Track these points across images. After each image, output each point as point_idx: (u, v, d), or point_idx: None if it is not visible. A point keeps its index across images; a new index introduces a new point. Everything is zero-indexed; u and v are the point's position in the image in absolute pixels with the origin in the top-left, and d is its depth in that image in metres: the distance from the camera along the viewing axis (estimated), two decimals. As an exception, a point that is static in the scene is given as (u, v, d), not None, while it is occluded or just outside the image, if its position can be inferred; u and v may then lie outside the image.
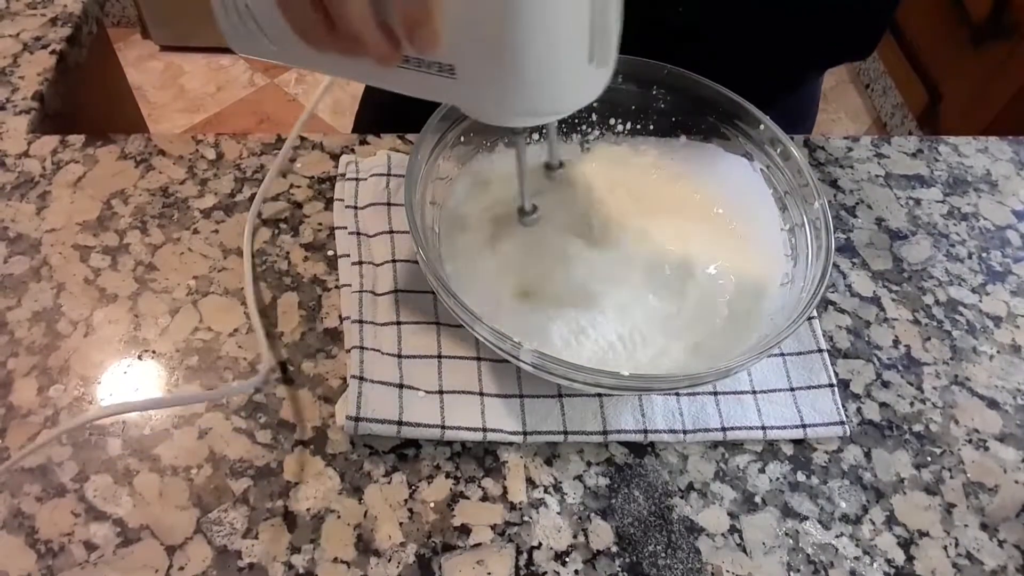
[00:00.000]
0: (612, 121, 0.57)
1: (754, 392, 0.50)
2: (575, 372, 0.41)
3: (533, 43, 0.35)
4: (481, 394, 0.48)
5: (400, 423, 0.46)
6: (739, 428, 0.48)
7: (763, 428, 0.48)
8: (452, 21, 0.34)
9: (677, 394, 0.49)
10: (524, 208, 0.48)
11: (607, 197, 0.53)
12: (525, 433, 0.47)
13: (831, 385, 0.50)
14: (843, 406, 0.51)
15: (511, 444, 0.47)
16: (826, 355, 0.51)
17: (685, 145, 0.56)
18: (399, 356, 0.49)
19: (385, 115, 0.57)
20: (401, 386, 0.48)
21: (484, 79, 0.37)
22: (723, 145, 0.55)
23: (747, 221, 0.54)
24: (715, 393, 0.49)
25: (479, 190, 0.54)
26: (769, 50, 0.62)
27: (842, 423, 0.49)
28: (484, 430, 0.46)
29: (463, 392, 0.48)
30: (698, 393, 0.49)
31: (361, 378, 0.47)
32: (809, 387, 0.50)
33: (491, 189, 0.54)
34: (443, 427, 0.46)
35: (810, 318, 0.53)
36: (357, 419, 0.45)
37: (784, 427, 0.48)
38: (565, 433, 0.47)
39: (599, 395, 0.48)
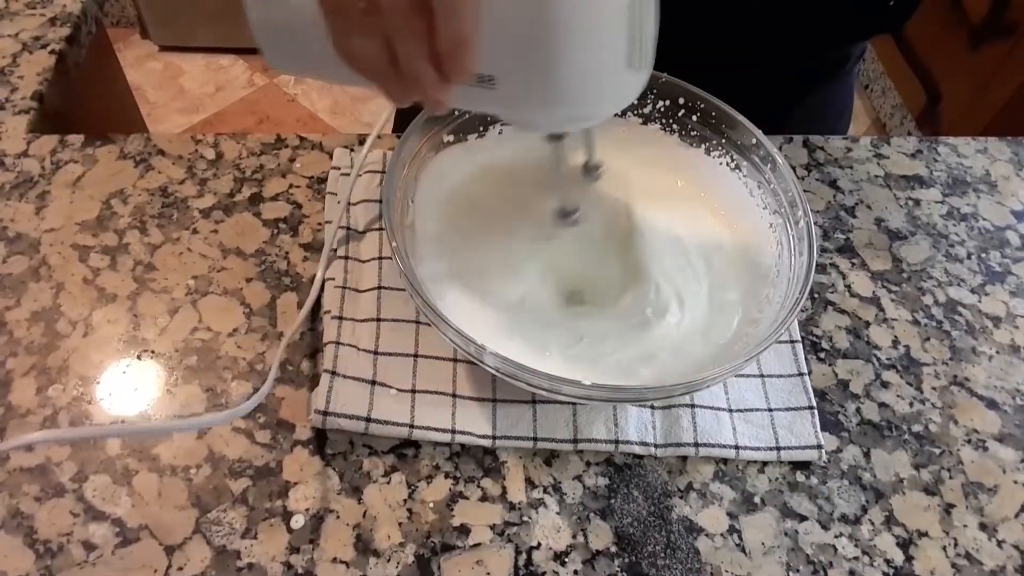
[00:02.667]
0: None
1: (731, 410, 0.49)
2: (537, 379, 0.41)
3: (573, 51, 0.35)
4: (454, 395, 0.48)
5: (368, 419, 0.46)
6: (712, 445, 0.47)
7: (736, 448, 0.47)
8: (490, 32, 0.33)
9: (652, 406, 0.48)
10: (565, 210, 0.48)
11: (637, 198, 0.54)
12: (494, 437, 0.47)
13: (810, 407, 0.49)
14: (842, 406, 0.51)
15: (486, 447, 0.47)
16: (807, 379, 0.50)
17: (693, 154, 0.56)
18: (375, 353, 0.49)
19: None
20: (373, 383, 0.47)
21: (524, 88, 0.37)
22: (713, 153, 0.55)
23: (743, 232, 0.53)
24: (692, 405, 0.48)
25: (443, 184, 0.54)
26: (802, 19, 0.61)
27: (819, 447, 0.47)
28: (453, 431, 0.46)
29: (436, 392, 0.48)
30: (675, 405, 0.48)
31: (333, 372, 0.47)
32: (788, 408, 0.49)
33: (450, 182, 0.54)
34: (411, 426, 0.46)
35: (792, 342, 0.52)
36: (325, 413, 0.46)
37: (758, 448, 0.47)
38: (535, 439, 0.47)
39: (573, 403, 0.48)
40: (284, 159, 0.61)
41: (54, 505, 0.44)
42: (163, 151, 0.61)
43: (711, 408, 0.48)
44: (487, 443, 0.46)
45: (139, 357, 0.50)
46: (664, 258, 0.51)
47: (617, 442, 0.47)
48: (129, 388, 0.48)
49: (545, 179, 0.50)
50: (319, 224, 0.57)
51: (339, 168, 0.59)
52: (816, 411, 0.49)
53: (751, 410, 0.49)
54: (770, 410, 0.49)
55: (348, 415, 0.46)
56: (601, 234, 0.53)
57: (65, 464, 0.45)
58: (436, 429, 0.46)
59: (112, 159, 0.60)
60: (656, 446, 0.47)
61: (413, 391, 0.48)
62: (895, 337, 0.55)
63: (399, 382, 0.48)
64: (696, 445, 0.47)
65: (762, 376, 0.51)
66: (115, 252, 0.55)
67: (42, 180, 0.58)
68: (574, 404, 0.48)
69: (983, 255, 0.60)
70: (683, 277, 0.51)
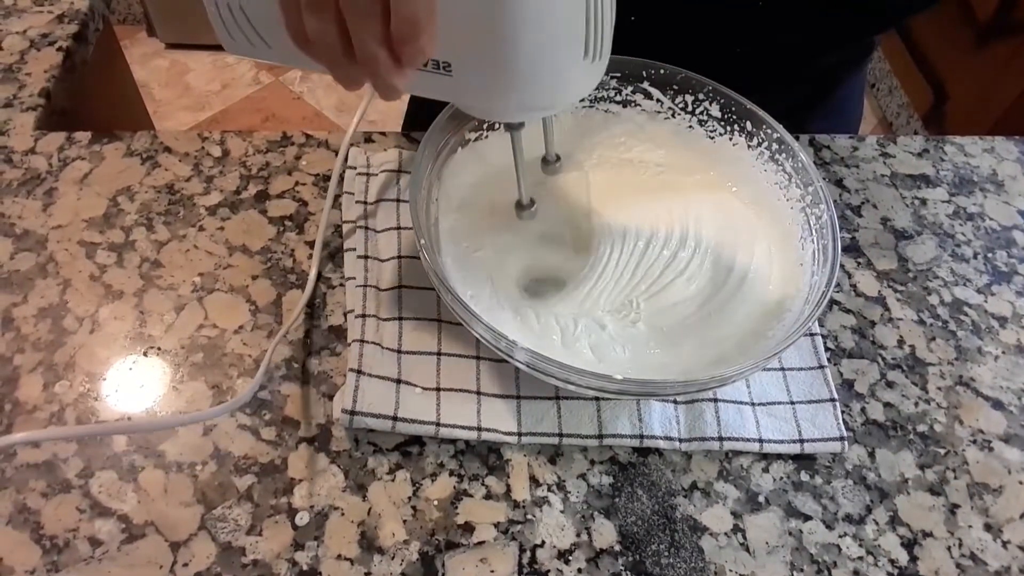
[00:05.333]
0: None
1: (753, 404, 0.49)
2: (567, 373, 0.41)
3: (529, 40, 0.34)
4: (478, 393, 0.48)
5: (395, 418, 0.46)
6: (736, 439, 0.47)
7: (760, 441, 0.47)
8: (447, 18, 0.33)
9: (675, 401, 0.49)
10: (522, 202, 0.48)
11: (605, 194, 0.53)
12: (520, 434, 0.47)
13: (832, 400, 0.49)
14: (847, 406, 0.51)
15: (512, 443, 0.47)
16: (828, 371, 0.51)
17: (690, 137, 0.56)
18: (399, 351, 0.49)
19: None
20: (399, 381, 0.48)
21: (480, 76, 0.37)
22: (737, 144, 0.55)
23: (758, 209, 0.54)
24: (715, 400, 0.49)
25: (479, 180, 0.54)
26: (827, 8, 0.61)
27: (841, 439, 0.48)
28: (479, 429, 0.46)
29: (460, 390, 0.48)
30: (698, 400, 0.49)
31: (359, 372, 0.47)
32: (810, 401, 0.49)
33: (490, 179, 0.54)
34: (438, 424, 0.46)
35: (812, 335, 0.53)
36: (353, 412, 0.46)
37: (781, 441, 0.48)
38: (560, 435, 0.47)
39: (597, 399, 0.48)
40: (290, 157, 0.61)
41: (60, 501, 0.44)
42: (170, 148, 0.61)
43: (734, 402, 0.49)
44: (512, 440, 0.47)
45: (145, 354, 0.50)
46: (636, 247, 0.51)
47: (642, 436, 0.47)
48: (135, 384, 0.48)
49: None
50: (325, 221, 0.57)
51: (355, 168, 0.59)
52: (838, 403, 0.49)
53: (773, 403, 0.49)
54: (792, 403, 0.49)
55: (375, 414, 0.46)
56: (567, 229, 0.53)
57: (71, 460, 0.45)
58: (462, 427, 0.46)
59: (119, 156, 0.60)
60: (681, 440, 0.47)
61: (438, 389, 0.48)
62: (900, 337, 0.55)
63: (424, 380, 0.48)
64: (720, 439, 0.47)
65: (783, 370, 0.51)
66: (122, 249, 0.55)
67: (49, 177, 0.58)
68: (597, 399, 0.48)
69: (989, 255, 0.60)
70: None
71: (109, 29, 0.81)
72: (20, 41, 0.67)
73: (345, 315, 0.52)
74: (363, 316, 0.50)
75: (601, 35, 0.37)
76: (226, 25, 0.40)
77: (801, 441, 0.48)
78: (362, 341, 0.49)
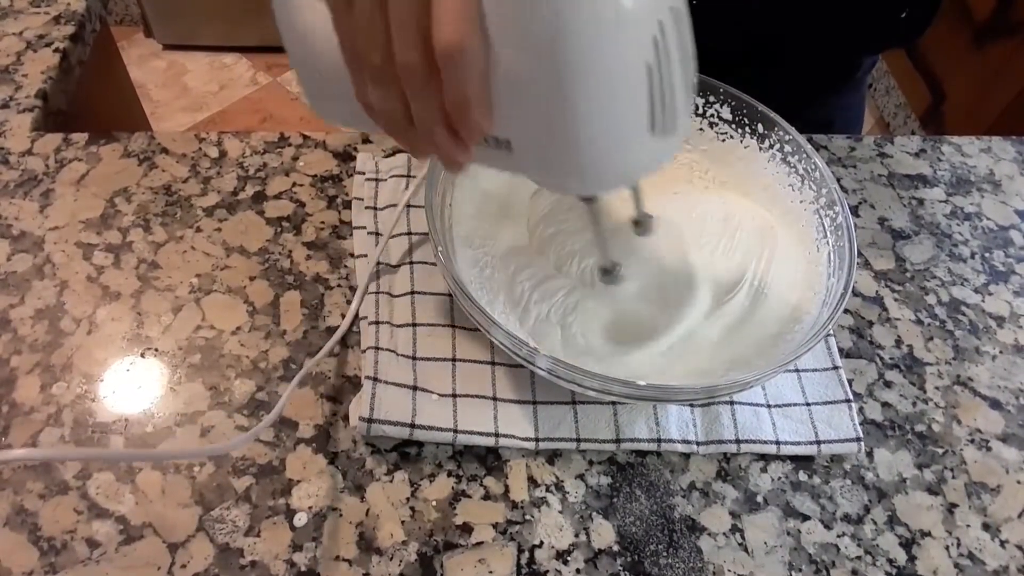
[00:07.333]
0: None
1: (769, 406, 0.49)
2: (590, 379, 0.41)
3: (587, 119, 0.32)
4: (494, 399, 0.48)
5: (413, 426, 0.46)
6: (753, 441, 0.47)
7: (777, 443, 0.47)
8: (504, 96, 0.32)
9: (691, 404, 0.49)
10: (606, 268, 0.47)
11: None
12: (537, 439, 0.47)
13: (847, 401, 0.49)
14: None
15: (530, 449, 0.47)
16: (842, 372, 0.51)
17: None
18: (414, 358, 0.49)
19: None
20: (415, 388, 0.47)
21: (540, 154, 0.36)
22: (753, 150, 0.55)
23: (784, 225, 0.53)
24: (732, 403, 0.49)
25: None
26: (812, 30, 0.62)
27: (858, 439, 0.48)
28: (496, 435, 0.46)
29: (476, 396, 0.48)
30: (714, 403, 0.48)
31: (375, 379, 0.47)
32: (826, 403, 0.49)
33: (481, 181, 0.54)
34: (455, 431, 0.46)
35: (827, 335, 0.52)
36: (370, 420, 0.45)
37: (798, 443, 0.47)
38: (578, 440, 0.47)
39: (613, 403, 0.48)
40: (287, 157, 0.61)
41: (58, 503, 0.44)
42: (167, 149, 0.61)
43: (750, 404, 0.49)
44: (531, 445, 0.46)
45: (143, 355, 0.50)
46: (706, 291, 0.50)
47: (659, 441, 0.47)
48: (133, 386, 0.48)
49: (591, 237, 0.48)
50: (322, 223, 0.57)
51: (363, 173, 0.59)
52: (853, 404, 0.49)
53: (789, 405, 0.49)
54: (808, 404, 0.49)
55: (393, 422, 0.45)
56: (646, 287, 0.51)
57: (69, 462, 0.45)
58: (480, 433, 0.46)
59: (116, 157, 0.60)
60: (699, 444, 0.47)
61: (454, 395, 0.48)
62: (898, 337, 0.55)
63: (439, 387, 0.48)
64: (737, 442, 0.47)
65: (798, 371, 0.51)
66: (119, 250, 0.55)
67: (46, 178, 0.58)
68: (614, 403, 0.48)
69: (987, 254, 0.60)
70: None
71: (106, 30, 0.81)
72: (17, 42, 0.67)
73: (356, 319, 0.52)
74: (376, 323, 0.50)
75: (670, 107, 0.34)
76: (316, 96, 0.40)
77: (818, 443, 0.48)
78: (377, 348, 0.48)
